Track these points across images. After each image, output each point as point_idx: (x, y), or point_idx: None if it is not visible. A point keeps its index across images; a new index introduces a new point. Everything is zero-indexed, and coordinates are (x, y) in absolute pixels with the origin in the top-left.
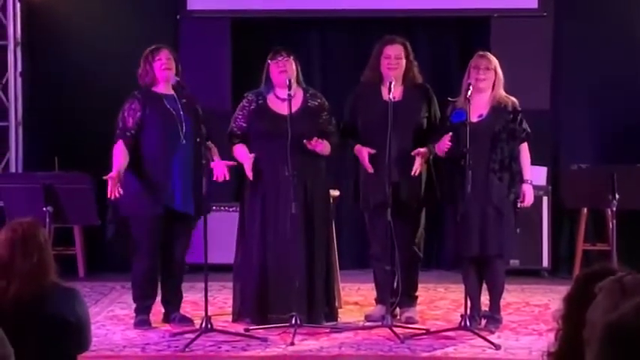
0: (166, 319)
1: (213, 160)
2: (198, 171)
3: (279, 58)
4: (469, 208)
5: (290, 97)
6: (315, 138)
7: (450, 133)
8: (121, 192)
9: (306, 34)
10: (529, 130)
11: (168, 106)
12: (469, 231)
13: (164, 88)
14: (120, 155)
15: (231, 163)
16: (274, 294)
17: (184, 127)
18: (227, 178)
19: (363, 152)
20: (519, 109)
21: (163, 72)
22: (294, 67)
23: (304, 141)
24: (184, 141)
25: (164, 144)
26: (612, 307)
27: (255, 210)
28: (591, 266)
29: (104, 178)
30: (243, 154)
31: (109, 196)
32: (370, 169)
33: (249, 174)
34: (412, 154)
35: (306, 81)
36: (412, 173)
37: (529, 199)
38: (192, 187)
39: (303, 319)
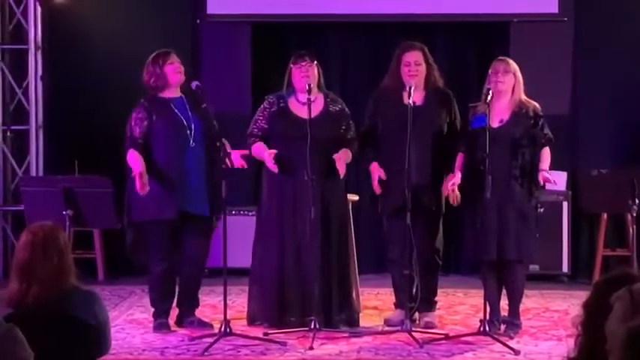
0: (179, 321)
1: (229, 159)
2: (212, 172)
3: (302, 64)
4: (488, 213)
5: (309, 102)
6: (338, 156)
7: (454, 181)
8: (148, 189)
9: (325, 39)
10: (551, 135)
11: (176, 111)
12: (488, 236)
13: (172, 92)
14: (137, 158)
15: (245, 151)
16: (291, 298)
17: (193, 131)
18: (245, 166)
19: (375, 174)
20: (541, 113)
21: (176, 75)
22: (316, 72)
23: (334, 157)
24: (194, 144)
25: (173, 149)
26: (624, 316)
27: (272, 213)
28: (610, 272)
29: (132, 176)
30: (261, 150)
31: (139, 191)
32: (378, 191)
33: (272, 167)
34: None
35: (326, 85)
36: (451, 201)
37: (551, 179)
38: (206, 189)
39: (321, 323)
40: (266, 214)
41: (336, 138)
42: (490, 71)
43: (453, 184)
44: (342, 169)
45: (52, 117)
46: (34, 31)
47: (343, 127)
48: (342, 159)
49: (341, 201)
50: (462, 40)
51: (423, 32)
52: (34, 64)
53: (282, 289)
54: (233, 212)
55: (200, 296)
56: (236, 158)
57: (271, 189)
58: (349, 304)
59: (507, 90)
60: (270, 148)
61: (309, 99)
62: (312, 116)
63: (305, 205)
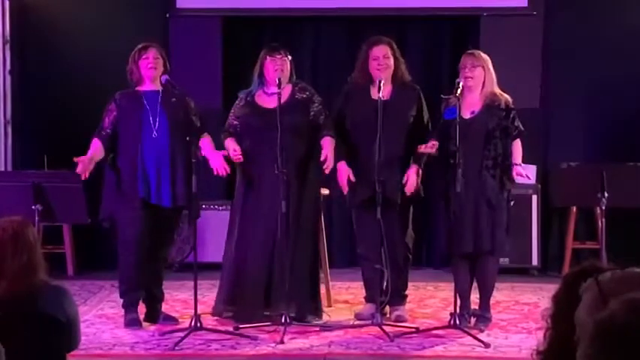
0: (150, 317)
1: (199, 153)
2: (176, 165)
3: (277, 57)
4: (462, 206)
5: (279, 94)
6: (327, 157)
7: (436, 142)
8: (87, 176)
9: (297, 33)
10: (522, 127)
11: (145, 102)
12: (463, 229)
13: (150, 85)
14: (94, 147)
15: (224, 152)
16: (259, 291)
17: (158, 122)
18: (228, 171)
19: (343, 173)
20: (512, 106)
21: (148, 70)
22: (289, 66)
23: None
24: (156, 134)
25: (134, 138)
26: (593, 307)
27: (244, 207)
28: (579, 264)
29: (75, 160)
30: (230, 143)
31: (80, 174)
32: (345, 190)
33: (235, 156)
34: (403, 182)
35: (298, 79)
36: (408, 193)
37: (524, 173)
38: (168, 181)
39: (291, 316)
40: (238, 208)
41: (305, 125)
42: (459, 65)
43: (433, 145)
44: (330, 161)
45: (21, 112)
46: (2, 25)
47: (312, 113)
48: (330, 151)
49: (312, 193)
50: (435, 33)
51: (396, 26)
52: (2, 58)
53: (250, 283)
54: (203, 206)
55: (164, 290)
56: (220, 164)
57: (243, 183)
58: (316, 295)
59: (477, 84)
60: (242, 143)
61: (279, 92)
62: (279, 105)
63: (276, 198)
